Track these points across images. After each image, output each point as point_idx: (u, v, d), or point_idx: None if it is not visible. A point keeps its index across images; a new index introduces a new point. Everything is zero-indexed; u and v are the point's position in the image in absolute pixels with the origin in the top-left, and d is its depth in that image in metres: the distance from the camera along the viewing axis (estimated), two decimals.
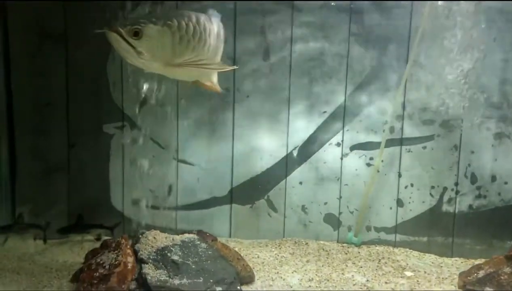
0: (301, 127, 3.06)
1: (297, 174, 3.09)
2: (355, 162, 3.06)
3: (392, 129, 3.01)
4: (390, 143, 3.02)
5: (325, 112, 3.04)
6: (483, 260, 2.86)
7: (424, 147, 3.00)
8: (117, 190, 3.11)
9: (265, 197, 3.12)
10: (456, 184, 2.99)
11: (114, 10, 2.82)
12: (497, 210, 2.98)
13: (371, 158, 3.05)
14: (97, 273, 2.26)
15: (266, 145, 3.08)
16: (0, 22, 2.98)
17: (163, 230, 2.62)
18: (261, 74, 3.02)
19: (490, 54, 2.87)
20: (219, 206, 3.13)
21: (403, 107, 2.98)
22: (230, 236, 3.14)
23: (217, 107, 3.05)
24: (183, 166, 3.11)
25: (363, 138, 3.04)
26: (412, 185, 3.04)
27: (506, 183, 2.95)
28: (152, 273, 2.27)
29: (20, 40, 3.02)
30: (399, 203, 3.05)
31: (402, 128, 3.01)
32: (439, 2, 2.82)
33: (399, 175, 3.03)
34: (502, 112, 2.92)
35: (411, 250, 3.03)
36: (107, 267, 2.27)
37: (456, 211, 3.01)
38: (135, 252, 2.37)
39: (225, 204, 3.13)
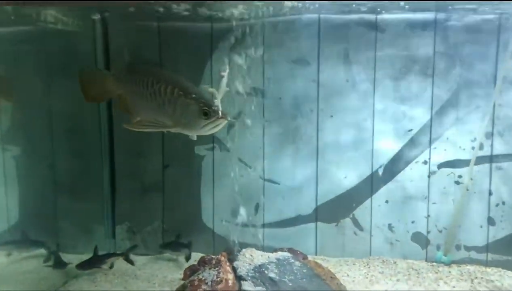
0: (387, 145, 3.10)
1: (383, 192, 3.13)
2: (443, 180, 3.04)
3: (481, 146, 2.96)
4: (480, 160, 2.98)
5: (411, 130, 3.06)
6: None
7: None
8: (208, 209, 3.27)
9: (351, 216, 3.16)
10: None
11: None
12: None
13: (459, 176, 3.01)
14: (201, 289, 2.39)
15: (350, 163, 3.14)
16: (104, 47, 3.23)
17: (251, 246, 2.72)
18: (345, 94, 3.09)
19: None
20: (304, 224, 3.21)
21: (493, 124, 2.94)
22: (316, 254, 3.20)
23: (301, 127, 3.15)
24: (269, 184, 3.22)
25: (451, 155, 3.02)
26: (504, 203, 2.97)
27: None
28: (252, 290, 2.37)
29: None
30: (490, 221, 2.99)
31: (492, 145, 2.96)
32: None
33: (490, 193, 2.98)
34: None
35: (505, 270, 2.95)
36: (209, 283, 2.40)
37: None
38: (234, 269, 2.49)
39: (311, 222, 3.20)
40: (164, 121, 2.31)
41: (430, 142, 3.04)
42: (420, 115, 3.04)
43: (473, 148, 2.96)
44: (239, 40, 2.95)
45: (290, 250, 2.78)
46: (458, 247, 3.04)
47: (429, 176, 3.06)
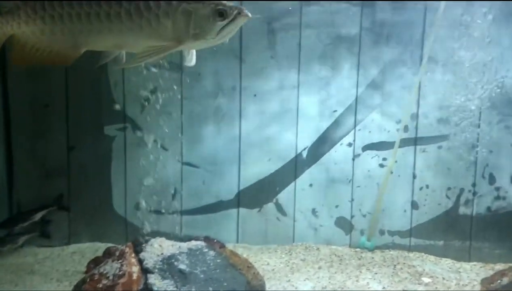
0: (311, 126, 2.95)
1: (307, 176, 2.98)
2: (367, 163, 2.94)
3: (406, 128, 2.88)
4: (404, 143, 2.90)
5: (335, 111, 2.92)
6: (502, 265, 2.76)
7: (440, 147, 2.87)
8: (119, 195, 2.99)
9: (274, 201, 2.99)
10: (474, 185, 2.87)
11: None
12: None
13: (384, 159, 2.92)
14: (101, 284, 2.12)
15: (274, 146, 2.97)
16: None
17: (168, 236, 2.50)
18: (269, 72, 2.90)
19: (507, 48, 2.75)
20: (225, 210, 3.01)
21: (418, 106, 2.86)
22: (237, 242, 3.01)
23: (223, 106, 2.93)
24: (187, 168, 2.99)
25: (376, 138, 2.92)
26: (427, 186, 2.91)
27: None
28: (159, 284, 2.13)
29: None
30: (414, 205, 2.93)
31: (416, 127, 2.88)
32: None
33: (414, 176, 2.91)
34: None
35: (427, 255, 2.90)
36: (111, 278, 2.14)
37: (474, 213, 2.88)
38: (140, 261, 2.24)
39: (232, 208, 3.01)
40: (161, 42, 1.77)
41: (355, 124, 2.92)
42: (345, 95, 2.91)
43: (397, 130, 2.88)
44: None
45: (205, 238, 2.57)
46: (381, 232, 2.96)
47: (353, 159, 2.95)
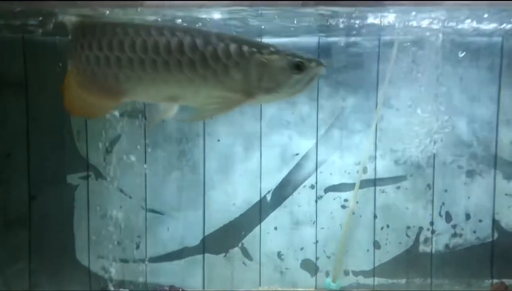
0: (274, 170, 3.01)
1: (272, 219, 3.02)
2: (330, 204, 3.01)
3: (365, 170, 2.98)
4: (364, 184, 2.99)
5: (297, 154, 3.00)
6: None
7: (398, 187, 2.98)
8: (82, 244, 2.94)
9: (239, 245, 3.00)
10: (432, 223, 2.97)
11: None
12: (474, 248, 2.96)
13: (345, 200, 3.00)
14: None
15: (239, 190, 3.00)
16: None
17: (133, 285, 2.47)
18: (233, 118, 2.97)
19: (457, 93, 2.92)
20: (191, 256, 3.00)
21: (375, 148, 2.97)
22: (204, 288, 2.99)
23: (187, 152, 2.96)
24: (152, 215, 2.98)
25: (337, 179, 3.00)
26: (388, 226, 2.99)
27: (480, 220, 2.95)
28: None
29: None
30: (376, 245, 3.00)
31: (375, 169, 2.98)
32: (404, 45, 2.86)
33: (375, 216, 2.99)
34: (472, 149, 2.94)
35: None
36: None
37: (433, 251, 2.97)
38: None
39: (198, 254, 3.00)
40: (229, 94, 1.54)
41: (317, 167, 3.00)
42: (306, 139, 2.99)
43: (357, 171, 2.97)
44: None
45: (171, 288, 2.55)
46: (346, 273, 3.01)
47: (316, 201, 3.01)
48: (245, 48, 1.48)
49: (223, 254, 3.00)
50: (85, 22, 1.57)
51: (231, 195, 2.99)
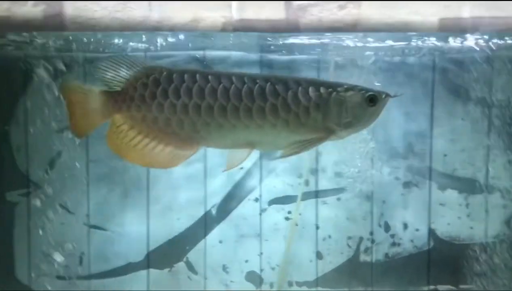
0: (219, 184, 3.05)
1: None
2: (273, 216, 3.07)
3: (307, 182, 3.06)
4: (306, 196, 3.07)
5: (242, 168, 3.05)
6: None
7: (339, 199, 3.07)
8: (22, 263, 2.88)
9: (184, 259, 3.02)
10: (371, 233, 3.07)
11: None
12: (412, 256, 3.07)
13: (289, 212, 3.07)
14: None
15: (183, 204, 3.02)
16: None
17: None
18: None
19: (392, 108, 3.05)
20: (135, 272, 2.98)
21: (317, 161, 3.06)
22: None
23: (130, 168, 2.96)
24: (95, 231, 2.95)
25: (280, 192, 3.07)
26: (330, 236, 3.07)
27: (417, 230, 3.07)
28: None
29: None
30: (319, 255, 3.07)
31: (316, 181, 3.07)
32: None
33: (317, 228, 3.07)
34: (408, 161, 3.07)
35: None
36: None
37: (374, 260, 3.07)
38: None
39: (142, 270, 2.99)
40: (308, 135, 1.63)
41: (261, 180, 3.06)
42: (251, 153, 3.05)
43: (299, 184, 3.04)
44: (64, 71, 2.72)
45: None
46: (290, 284, 3.07)
47: (260, 214, 3.06)
48: (322, 89, 1.58)
49: (167, 269, 3.00)
50: (158, 70, 1.58)
51: (176, 209, 3.00)
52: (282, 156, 1.67)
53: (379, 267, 3.07)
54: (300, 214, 3.05)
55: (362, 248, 3.07)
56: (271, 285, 3.05)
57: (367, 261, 3.07)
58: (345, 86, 1.65)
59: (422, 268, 3.07)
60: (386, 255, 3.07)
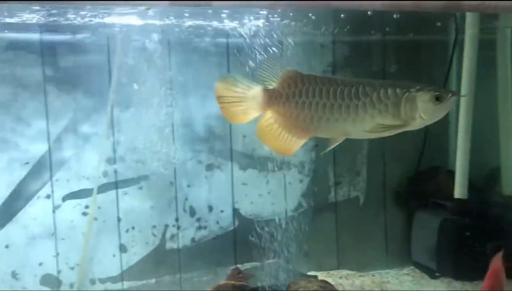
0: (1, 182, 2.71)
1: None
2: (69, 213, 2.83)
3: (105, 173, 2.87)
4: (105, 188, 2.88)
5: (28, 163, 2.74)
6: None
7: (141, 188, 2.94)
8: None
9: None
10: (177, 219, 3.01)
11: None
12: (218, 238, 3.09)
13: (86, 206, 2.85)
14: None
15: None
16: None
17: None
18: None
19: (191, 91, 2.98)
20: None
21: (114, 150, 2.88)
22: None
23: None
24: None
25: (75, 186, 2.84)
26: (133, 228, 2.94)
27: (222, 211, 3.08)
28: None
29: None
30: (122, 248, 2.93)
31: (115, 171, 2.90)
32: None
33: (119, 220, 2.91)
34: (210, 144, 3.05)
35: None
36: None
37: (180, 246, 3.02)
38: None
39: None
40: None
41: (51, 174, 2.79)
42: (36, 146, 2.76)
43: (97, 176, 2.85)
44: None
45: None
46: (92, 281, 2.88)
47: (54, 211, 2.81)
48: (398, 90, 1.95)
49: None
50: (299, 74, 1.93)
51: None
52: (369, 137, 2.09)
53: (186, 252, 3.03)
54: (99, 207, 2.86)
55: (168, 235, 2.99)
56: (72, 285, 2.83)
57: (173, 248, 3.01)
58: (418, 87, 1.99)
59: (229, 248, 3.11)
60: (193, 239, 3.04)
